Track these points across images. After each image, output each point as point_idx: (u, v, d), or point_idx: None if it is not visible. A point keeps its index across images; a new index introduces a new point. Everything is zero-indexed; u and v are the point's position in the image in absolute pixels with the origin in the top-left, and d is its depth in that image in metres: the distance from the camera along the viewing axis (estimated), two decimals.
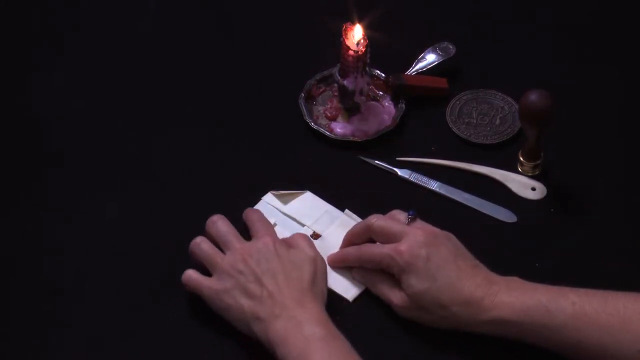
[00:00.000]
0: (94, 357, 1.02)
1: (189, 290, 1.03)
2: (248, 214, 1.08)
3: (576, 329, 0.95)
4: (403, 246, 1.00)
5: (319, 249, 1.08)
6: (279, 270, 0.98)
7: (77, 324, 1.04)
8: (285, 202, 1.12)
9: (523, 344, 0.98)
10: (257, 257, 0.99)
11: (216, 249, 1.03)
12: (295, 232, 1.10)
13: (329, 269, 1.06)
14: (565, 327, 0.95)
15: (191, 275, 1.03)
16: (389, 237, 1.03)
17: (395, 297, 1.01)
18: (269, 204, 1.12)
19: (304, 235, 1.05)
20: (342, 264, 1.07)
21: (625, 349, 0.93)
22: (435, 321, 1.00)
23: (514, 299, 0.97)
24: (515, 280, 0.99)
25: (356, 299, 1.05)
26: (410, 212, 1.04)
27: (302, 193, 1.13)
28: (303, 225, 1.11)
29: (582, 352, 0.95)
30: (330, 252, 1.08)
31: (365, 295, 1.05)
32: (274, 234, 1.04)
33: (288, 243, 1.03)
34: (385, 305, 1.03)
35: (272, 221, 1.10)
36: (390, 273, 1.02)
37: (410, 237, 1.01)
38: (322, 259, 1.02)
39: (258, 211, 1.09)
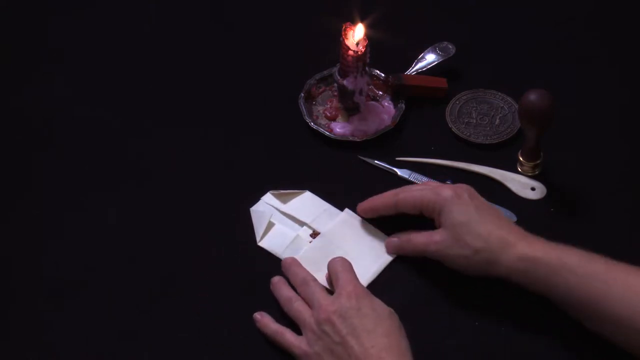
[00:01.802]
0: (93, 358, 1.02)
1: (271, 339, 1.02)
2: (331, 263, 1.05)
3: (604, 282, 0.96)
4: (446, 186, 1.05)
5: (319, 246, 1.08)
6: (363, 328, 0.96)
7: (76, 325, 1.04)
8: (284, 202, 1.12)
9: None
10: (341, 314, 0.98)
11: (306, 307, 1.01)
12: (294, 230, 1.10)
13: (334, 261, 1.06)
14: (595, 277, 0.96)
15: (283, 333, 1.01)
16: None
17: (432, 236, 1.03)
18: (267, 204, 1.12)
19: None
20: (375, 213, 1.08)
21: None
22: (467, 257, 1.01)
23: (549, 245, 0.99)
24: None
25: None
26: (448, 182, 1.09)
27: (301, 193, 1.13)
28: (302, 223, 1.11)
29: (605, 309, 0.95)
30: (331, 250, 1.08)
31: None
32: (354, 281, 1.02)
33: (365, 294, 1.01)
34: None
35: (271, 220, 1.10)
36: (427, 215, 1.05)
37: (452, 184, 1.05)
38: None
39: (341, 259, 1.05)
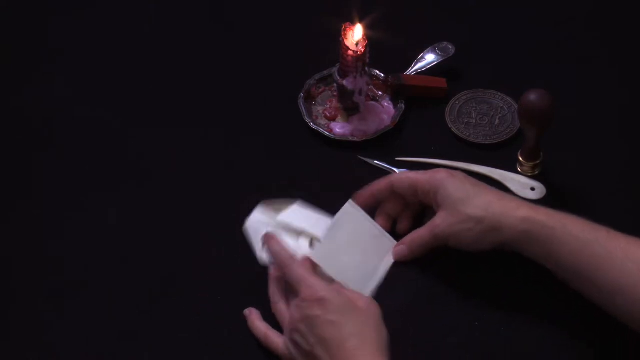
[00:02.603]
0: (93, 358, 1.02)
1: (257, 338, 1.02)
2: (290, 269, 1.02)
3: (605, 248, 0.96)
4: (441, 169, 1.05)
5: (319, 255, 1.06)
6: (329, 335, 0.95)
7: (76, 325, 1.04)
8: (277, 213, 1.10)
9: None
10: (307, 323, 0.96)
11: (285, 308, 1.01)
12: (292, 240, 1.08)
13: (339, 268, 1.05)
14: (596, 243, 0.96)
15: (267, 335, 1.01)
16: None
17: (433, 222, 1.04)
18: (261, 216, 1.10)
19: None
20: (373, 199, 1.08)
21: None
22: (471, 229, 1.01)
23: (552, 211, 1.00)
24: None
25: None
26: None
27: (293, 202, 1.11)
28: (300, 233, 1.09)
29: (604, 277, 0.95)
30: (334, 257, 1.06)
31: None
32: (315, 285, 0.99)
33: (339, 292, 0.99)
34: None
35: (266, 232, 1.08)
36: (423, 198, 1.05)
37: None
38: (375, 304, 0.99)
39: (300, 261, 1.03)
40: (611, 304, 0.96)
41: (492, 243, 1.02)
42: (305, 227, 1.09)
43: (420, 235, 1.06)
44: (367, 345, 0.94)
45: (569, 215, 1.00)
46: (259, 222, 1.10)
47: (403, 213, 1.10)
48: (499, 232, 1.01)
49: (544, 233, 0.99)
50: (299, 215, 1.10)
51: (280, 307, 1.01)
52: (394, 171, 1.15)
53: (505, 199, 1.02)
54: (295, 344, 0.97)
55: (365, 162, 1.17)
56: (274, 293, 1.03)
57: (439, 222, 1.04)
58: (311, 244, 1.08)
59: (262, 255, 1.07)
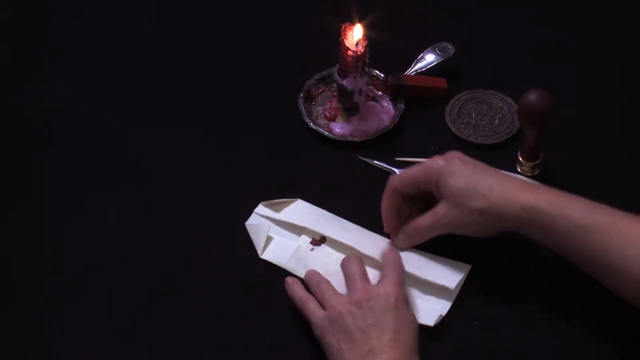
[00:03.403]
0: (93, 358, 1.02)
1: (296, 305, 1.02)
2: (387, 255, 1.04)
3: (606, 233, 0.96)
4: (436, 157, 1.04)
5: (325, 255, 1.07)
6: (389, 326, 0.96)
7: (76, 325, 1.04)
8: (277, 211, 1.11)
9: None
10: (373, 304, 0.97)
11: (334, 291, 1.01)
12: (293, 239, 1.09)
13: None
14: (596, 229, 0.97)
15: (307, 302, 1.01)
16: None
17: (436, 213, 1.03)
18: (261, 216, 1.11)
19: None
20: (394, 213, 1.06)
21: None
22: (475, 220, 1.01)
23: (553, 195, 1.00)
24: None
25: None
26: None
27: (293, 201, 1.12)
28: (301, 230, 1.09)
29: (605, 261, 0.96)
30: (338, 255, 1.07)
31: None
32: (398, 284, 1.01)
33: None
34: None
35: (269, 234, 1.09)
36: (426, 190, 1.04)
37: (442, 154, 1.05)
38: None
39: (395, 258, 1.04)
40: (615, 286, 0.97)
41: (496, 231, 1.03)
42: (307, 225, 1.09)
43: (422, 225, 1.05)
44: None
45: (569, 197, 1.00)
46: (260, 221, 1.10)
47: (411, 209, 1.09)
48: (502, 221, 1.01)
49: (544, 221, 0.99)
50: (299, 213, 1.11)
51: (329, 288, 1.01)
52: (394, 171, 1.15)
53: (506, 183, 1.02)
54: (347, 316, 0.96)
55: (365, 162, 1.17)
56: (322, 282, 1.02)
57: (443, 213, 1.03)
58: (312, 241, 1.09)
59: (264, 252, 1.08)
